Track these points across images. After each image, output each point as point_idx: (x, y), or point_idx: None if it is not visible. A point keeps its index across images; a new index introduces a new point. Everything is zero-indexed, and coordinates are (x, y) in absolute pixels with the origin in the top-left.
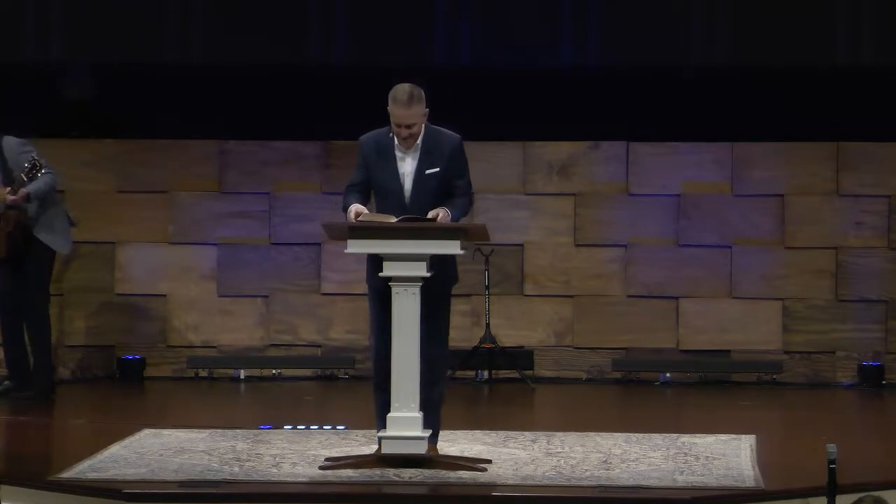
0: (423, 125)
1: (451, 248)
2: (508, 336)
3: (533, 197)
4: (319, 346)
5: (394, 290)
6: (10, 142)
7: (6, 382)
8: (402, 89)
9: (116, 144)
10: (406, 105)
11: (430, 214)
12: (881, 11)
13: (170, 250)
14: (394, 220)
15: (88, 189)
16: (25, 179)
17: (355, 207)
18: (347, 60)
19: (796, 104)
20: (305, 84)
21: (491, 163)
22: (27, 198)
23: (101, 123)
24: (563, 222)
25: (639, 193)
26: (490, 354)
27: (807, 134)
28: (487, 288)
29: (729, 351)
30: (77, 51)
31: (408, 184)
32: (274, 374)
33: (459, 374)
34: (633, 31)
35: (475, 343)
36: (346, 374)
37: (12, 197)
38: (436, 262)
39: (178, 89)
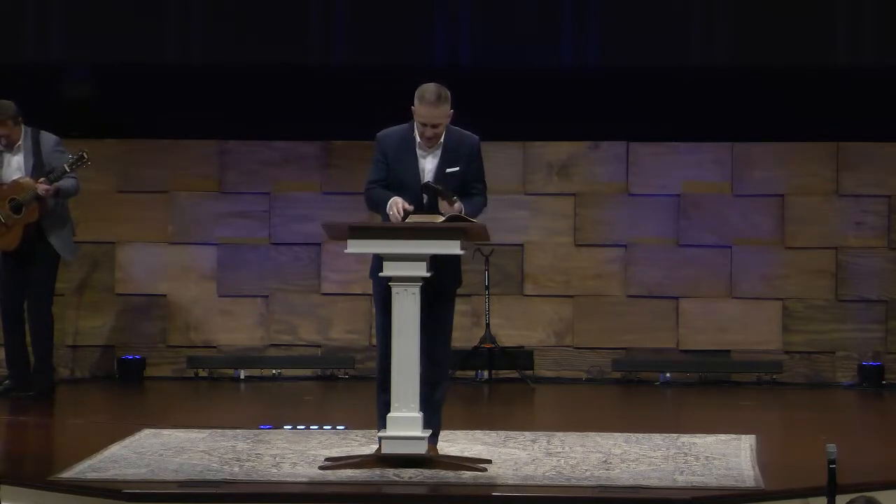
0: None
1: (451, 248)
2: (508, 336)
3: (533, 197)
4: (319, 346)
5: (394, 290)
6: (48, 139)
7: (6, 382)
8: (429, 89)
9: (116, 144)
10: (434, 105)
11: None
12: (881, 11)
13: (170, 250)
14: (441, 219)
15: (88, 189)
16: (67, 169)
17: (401, 202)
18: (347, 60)
19: (796, 104)
20: (305, 84)
21: (491, 163)
22: (57, 192)
23: (101, 123)
24: (563, 222)
25: (639, 193)
26: (490, 354)
27: (807, 134)
28: (487, 288)
29: (729, 351)
30: (77, 51)
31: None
32: (274, 374)
33: (459, 374)
34: (633, 31)
35: (475, 343)
36: (346, 374)
37: (45, 187)
38: (441, 263)
39: (178, 89)
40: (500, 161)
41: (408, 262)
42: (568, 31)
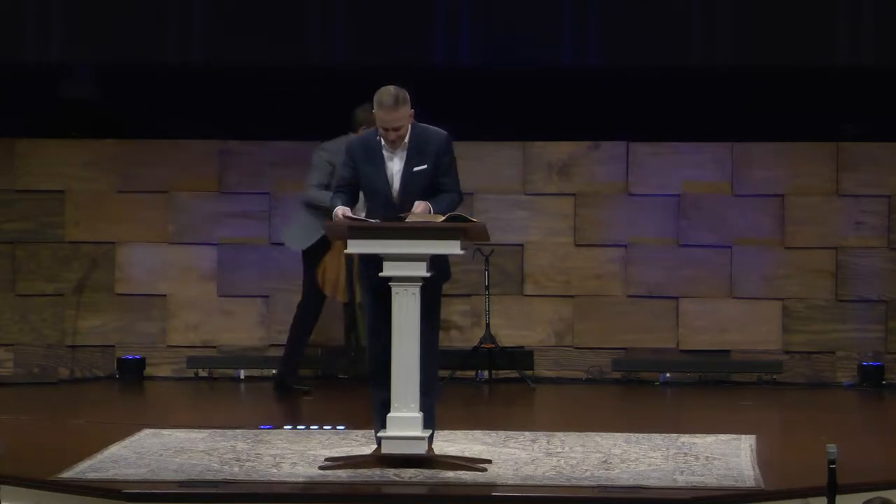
0: (410, 124)
1: (451, 248)
2: (508, 336)
3: (533, 197)
4: (319, 347)
5: (394, 290)
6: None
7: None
8: (386, 93)
9: (117, 144)
10: (392, 108)
11: (414, 208)
12: (881, 11)
13: (170, 250)
14: (441, 219)
15: (88, 189)
16: None
17: (342, 210)
18: (347, 60)
19: (796, 104)
20: (305, 84)
21: (491, 163)
22: None
23: (101, 123)
24: (563, 222)
25: (639, 193)
26: (490, 354)
27: (807, 134)
28: (487, 288)
29: (729, 351)
30: (77, 51)
31: (396, 183)
32: (274, 374)
33: (459, 374)
34: (633, 31)
35: (475, 343)
36: (347, 374)
37: None
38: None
39: (178, 89)
40: (500, 161)
41: (408, 262)
42: (568, 31)
